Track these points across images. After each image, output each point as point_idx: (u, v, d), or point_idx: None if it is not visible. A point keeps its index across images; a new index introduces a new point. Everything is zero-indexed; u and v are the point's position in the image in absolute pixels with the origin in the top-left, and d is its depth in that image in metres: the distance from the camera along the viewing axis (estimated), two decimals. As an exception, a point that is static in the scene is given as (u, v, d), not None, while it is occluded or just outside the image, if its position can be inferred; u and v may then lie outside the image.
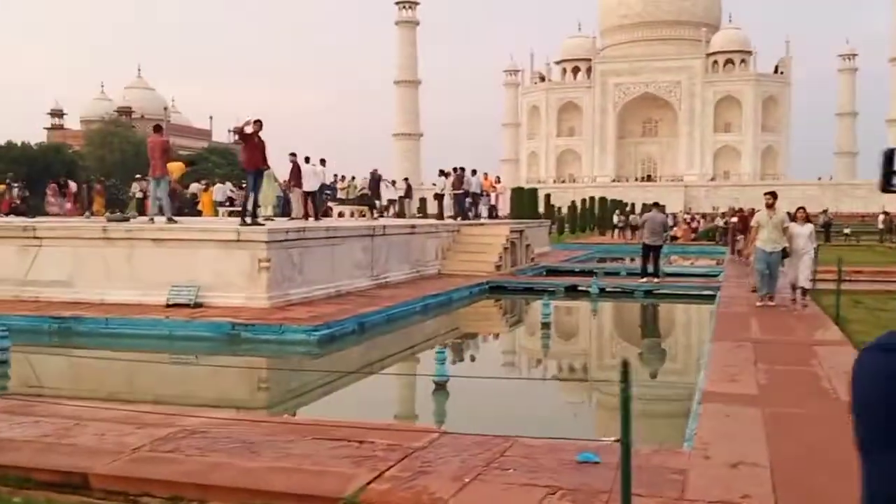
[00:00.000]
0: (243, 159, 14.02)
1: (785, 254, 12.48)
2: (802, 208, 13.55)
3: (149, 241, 13.55)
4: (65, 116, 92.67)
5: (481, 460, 5.24)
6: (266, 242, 12.81)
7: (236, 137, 13.70)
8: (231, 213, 24.47)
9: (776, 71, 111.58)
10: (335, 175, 28.04)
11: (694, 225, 46.76)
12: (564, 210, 59.54)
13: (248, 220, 14.00)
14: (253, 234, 12.99)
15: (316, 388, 8.67)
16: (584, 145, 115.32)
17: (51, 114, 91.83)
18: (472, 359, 11.79)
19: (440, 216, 26.79)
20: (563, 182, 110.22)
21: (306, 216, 20.10)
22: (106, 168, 55.87)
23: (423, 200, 53.00)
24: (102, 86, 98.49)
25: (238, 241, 13.00)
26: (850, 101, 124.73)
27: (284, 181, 20.90)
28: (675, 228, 44.64)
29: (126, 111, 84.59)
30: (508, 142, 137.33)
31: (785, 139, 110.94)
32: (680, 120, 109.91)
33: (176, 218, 15.70)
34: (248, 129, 13.70)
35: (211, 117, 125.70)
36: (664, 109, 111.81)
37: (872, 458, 0.92)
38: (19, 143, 56.56)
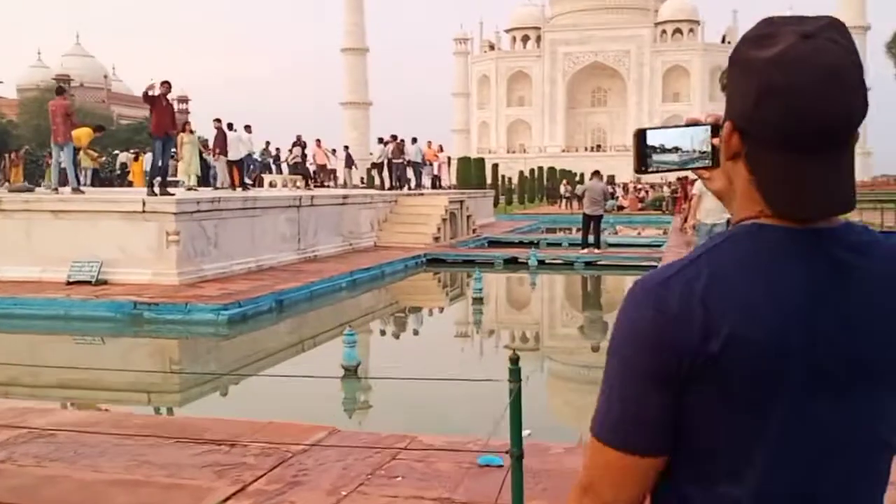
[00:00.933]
0: (151, 124, 12.89)
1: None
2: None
3: (48, 213, 12.43)
4: None
5: (368, 466, 4.49)
6: (175, 214, 11.81)
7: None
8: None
9: (723, 41, 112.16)
10: (269, 144, 26.91)
11: (641, 195, 46.62)
12: (515, 180, 58.97)
13: (157, 189, 12.95)
14: (160, 205, 11.98)
15: (208, 380, 7.81)
16: (535, 115, 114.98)
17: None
18: (396, 336, 11.05)
19: (381, 186, 25.89)
20: (514, 152, 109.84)
21: (233, 186, 19.05)
22: (42, 137, 53.60)
23: (369, 170, 51.85)
24: (39, 53, 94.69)
25: (144, 212, 11.97)
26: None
27: (209, 150, 19.73)
28: (620, 198, 44.46)
29: (64, 79, 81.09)
30: (459, 112, 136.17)
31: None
32: (629, 89, 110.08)
33: (84, 189, 14.56)
34: (153, 92, 12.60)
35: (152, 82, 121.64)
36: (613, 79, 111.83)
37: None
38: (-49, 113, 53.78)
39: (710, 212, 10.02)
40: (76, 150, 14.41)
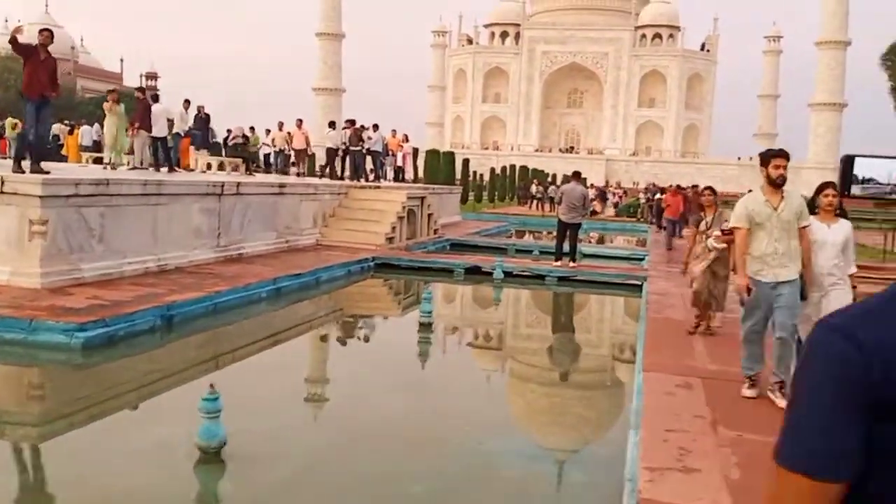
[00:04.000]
0: (22, 82, 10.09)
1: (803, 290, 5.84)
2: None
3: None
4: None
5: None
6: (41, 197, 9.16)
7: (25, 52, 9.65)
8: (97, 160, 20.56)
9: (703, 48, 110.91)
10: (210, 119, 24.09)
11: (614, 200, 44.47)
12: (487, 177, 56.47)
13: (29, 165, 10.24)
14: (23, 186, 9.31)
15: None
16: (510, 113, 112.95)
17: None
18: (303, 388, 8.42)
19: (332, 174, 23.26)
20: (487, 149, 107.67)
21: (157, 166, 16.37)
22: (3, 106, 50.58)
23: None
24: (6, 21, 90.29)
25: (2, 193, 9.32)
26: (774, 83, 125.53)
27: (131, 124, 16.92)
28: (594, 202, 42.30)
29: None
30: (434, 105, 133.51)
31: (707, 118, 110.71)
32: (605, 92, 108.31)
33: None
34: (21, 36, 9.88)
35: (122, 60, 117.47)
36: (590, 81, 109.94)
37: None
38: None
39: (769, 261, 5.72)
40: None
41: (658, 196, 32.03)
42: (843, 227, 6.10)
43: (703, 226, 8.81)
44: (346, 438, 5.76)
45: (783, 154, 5.76)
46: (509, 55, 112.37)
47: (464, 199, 44.95)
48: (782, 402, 5.42)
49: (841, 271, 5.99)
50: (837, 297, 5.86)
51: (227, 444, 4.92)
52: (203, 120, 20.51)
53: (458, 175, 46.08)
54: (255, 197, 14.29)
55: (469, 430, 5.93)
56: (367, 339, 10.35)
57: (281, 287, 11.45)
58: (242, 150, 20.66)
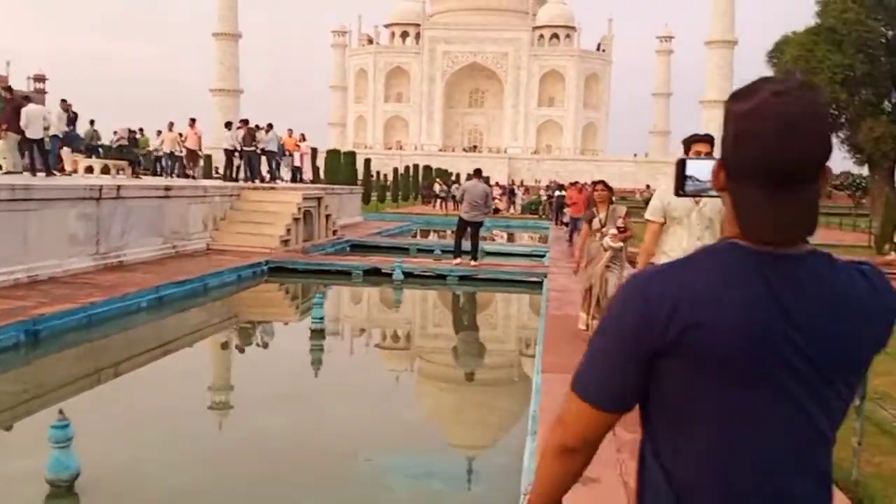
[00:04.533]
0: None
1: None
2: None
3: None
4: None
5: None
6: None
7: None
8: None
9: (598, 48, 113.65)
10: (94, 123, 22.80)
11: (523, 198, 44.80)
12: (390, 178, 56.00)
13: None
14: None
15: None
16: (412, 112, 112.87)
17: None
18: (176, 406, 7.82)
19: (226, 176, 22.38)
20: (391, 149, 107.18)
21: (33, 171, 15.26)
22: None
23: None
24: None
25: None
26: (666, 81, 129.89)
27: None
28: (498, 200, 42.51)
29: None
30: (336, 105, 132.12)
31: (605, 116, 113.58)
32: (506, 92, 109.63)
33: None
34: None
35: (8, 62, 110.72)
36: (491, 81, 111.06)
37: None
38: None
39: (673, 251, 5.25)
40: None
41: (558, 193, 32.41)
42: None
43: (596, 223, 8.26)
44: (219, 462, 5.28)
45: (707, 139, 4.88)
46: (410, 55, 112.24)
47: (366, 200, 44.40)
48: None
49: None
50: None
51: (80, 476, 4.39)
52: (70, 119, 19.25)
53: (361, 175, 45.52)
54: (137, 201, 13.45)
55: (357, 446, 5.54)
56: (253, 350, 9.74)
57: (163, 296, 10.74)
58: (128, 152, 19.58)
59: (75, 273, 11.34)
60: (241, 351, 9.64)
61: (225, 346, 9.90)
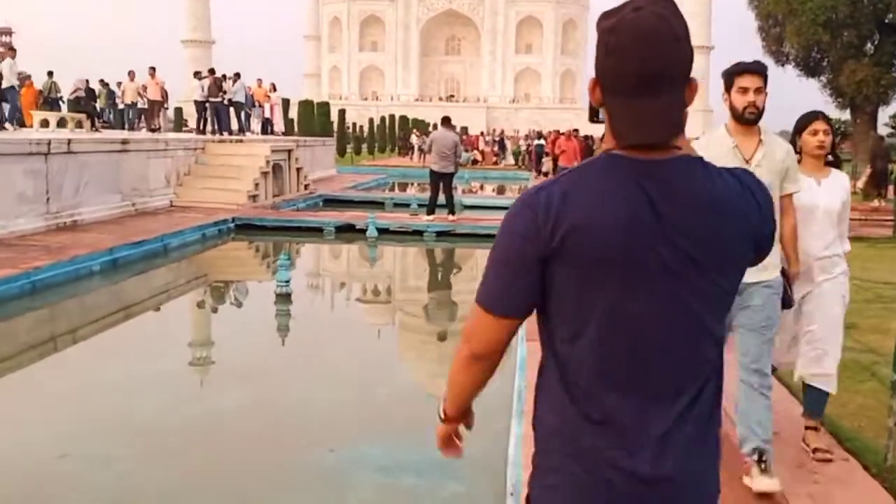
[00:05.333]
0: None
1: (786, 290, 3.60)
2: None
3: None
4: None
5: None
6: None
7: None
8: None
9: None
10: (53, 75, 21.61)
11: (496, 148, 43.95)
12: (366, 129, 54.72)
13: None
14: None
15: None
16: (388, 62, 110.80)
17: None
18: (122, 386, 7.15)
19: (198, 129, 21.38)
20: (367, 100, 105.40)
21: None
22: None
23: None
24: None
25: None
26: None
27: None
28: (475, 151, 41.68)
29: None
30: (311, 55, 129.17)
31: (583, 63, 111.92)
32: (483, 39, 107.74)
33: None
34: None
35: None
36: (468, 28, 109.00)
37: None
38: None
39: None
40: None
41: (537, 142, 31.66)
42: (839, 182, 3.88)
43: None
44: (156, 451, 4.60)
45: (757, 69, 3.39)
46: (385, 2, 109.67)
47: (341, 152, 43.37)
48: (762, 484, 3.39)
49: (835, 251, 3.85)
50: (832, 295, 3.84)
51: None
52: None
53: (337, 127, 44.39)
54: (92, 156, 12.57)
55: (320, 433, 4.91)
56: (212, 318, 9.03)
57: (118, 258, 9.99)
58: (86, 105, 18.52)
59: (23, 234, 10.54)
60: (200, 319, 8.94)
61: (181, 313, 9.19)
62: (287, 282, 8.41)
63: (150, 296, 9.66)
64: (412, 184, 29.02)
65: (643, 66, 1.21)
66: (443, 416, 1.52)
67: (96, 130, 18.17)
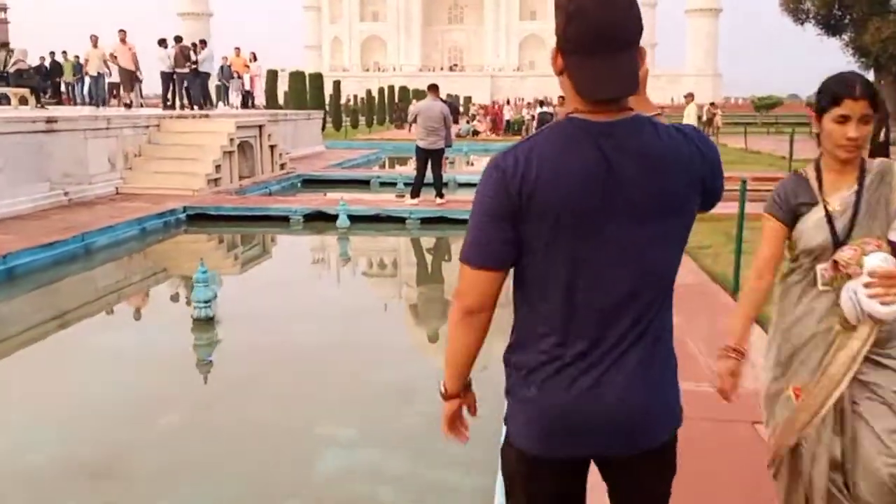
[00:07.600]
0: None
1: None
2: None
3: None
4: None
5: None
6: None
7: None
8: None
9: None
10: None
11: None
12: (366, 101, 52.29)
13: None
14: None
15: None
16: (390, 31, 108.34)
17: None
18: None
19: (165, 103, 19.27)
20: (368, 70, 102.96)
21: None
22: None
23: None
24: None
25: None
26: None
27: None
28: (476, 122, 39.51)
29: None
30: (311, 27, 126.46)
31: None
32: (486, 6, 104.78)
33: None
34: None
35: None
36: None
37: None
38: None
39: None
40: None
41: (541, 110, 29.47)
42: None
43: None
44: None
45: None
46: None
47: (337, 126, 41.24)
48: None
49: None
50: None
51: None
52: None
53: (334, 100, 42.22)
54: (7, 137, 10.58)
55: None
56: (111, 345, 6.63)
57: (14, 266, 8.02)
58: (29, 78, 16.47)
59: None
60: (97, 347, 6.69)
61: (83, 339, 6.89)
62: (207, 302, 6.36)
63: (48, 319, 7.28)
64: (408, 159, 26.84)
65: (603, 27, 1.37)
66: (444, 391, 1.62)
67: (42, 107, 16.15)
